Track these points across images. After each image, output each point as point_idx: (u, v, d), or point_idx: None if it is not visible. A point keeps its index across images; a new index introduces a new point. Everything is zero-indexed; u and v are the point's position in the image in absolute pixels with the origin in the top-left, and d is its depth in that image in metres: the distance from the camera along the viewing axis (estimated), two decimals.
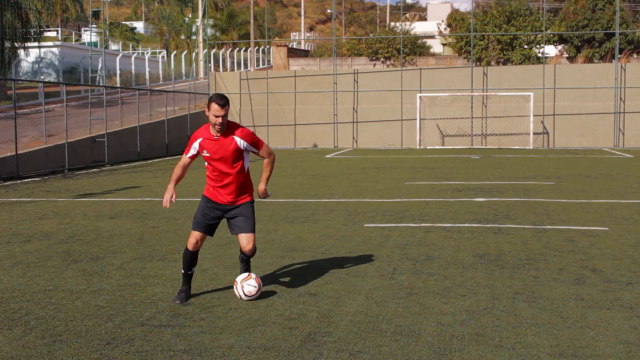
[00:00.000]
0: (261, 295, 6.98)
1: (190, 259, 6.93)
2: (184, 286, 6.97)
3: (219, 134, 6.68)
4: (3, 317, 6.36)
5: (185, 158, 6.89)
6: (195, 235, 6.87)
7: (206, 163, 6.83)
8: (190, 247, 6.89)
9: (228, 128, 6.72)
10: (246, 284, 6.75)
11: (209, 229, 6.94)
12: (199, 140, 6.76)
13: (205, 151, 6.73)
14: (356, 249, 9.37)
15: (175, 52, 53.91)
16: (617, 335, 5.74)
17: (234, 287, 6.85)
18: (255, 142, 6.80)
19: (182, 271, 6.97)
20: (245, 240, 6.86)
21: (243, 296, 6.76)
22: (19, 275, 8.09)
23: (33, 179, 20.37)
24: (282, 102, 35.84)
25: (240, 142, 6.72)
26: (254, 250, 6.93)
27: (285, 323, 6.11)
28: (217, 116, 6.54)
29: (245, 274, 6.86)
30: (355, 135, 35.40)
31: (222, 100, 6.55)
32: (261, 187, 7.01)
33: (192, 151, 6.83)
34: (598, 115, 33.34)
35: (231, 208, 6.88)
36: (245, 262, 7.09)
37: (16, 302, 6.87)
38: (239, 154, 6.75)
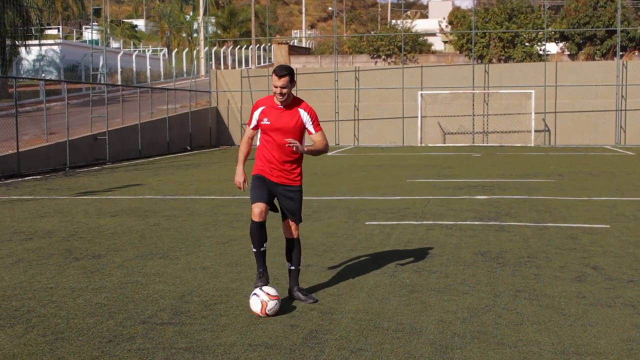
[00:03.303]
0: None
1: (259, 232, 6.55)
2: (261, 267, 6.66)
3: (283, 105, 6.54)
4: (5, 315, 6.37)
5: (248, 130, 6.73)
6: (258, 206, 6.51)
7: (260, 136, 6.64)
8: (255, 218, 6.50)
9: (295, 101, 6.60)
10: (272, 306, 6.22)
11: (269, 199, 6.60)
12: (261, 108, 6.60)
13: (265, 119, 6.54)
14: (358, 247, 9.37)
15: (176, 49, 53.88)
16: (619, 332, 5.74)
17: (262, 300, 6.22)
18: (315, 121, 6.64)
19: (254, 250, 6.64)
20: (291, 225, 6.70)
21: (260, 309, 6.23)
22: (21, 273, 8.09)
23: (34, 176, 20.37)
24: None
25: (304, 115, 6.59)
26: (297, 236, 6.74)
27: (287, 321, 6.11)
28: (276, 86, 6.41)
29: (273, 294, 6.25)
30: (357, 133, 35.39)
31: (281, 71, 6.40)
32: (306, 147, 6.59)
33: (254, 122, 6.65)
34: (600, 113, 33.32)
35: (282, 187, 6.64)
36: (294, 272, 6.75)
37: (18, 300, 6.88)
38: (300, 129, 6.58)
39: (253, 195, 6.60)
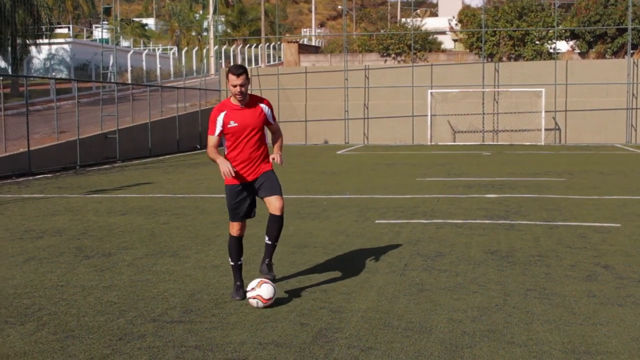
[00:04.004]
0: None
1: (237, 247, 6.86)
2: (238, 281, 6.89)
3: (243, 104, 6.67)
4: (16, 313, 6.39)
5: (213, 138, 6.74)
6: (236, 225, 6.84)
7: (226, 141, 6.76)
8: (234, 233, 6.85)
9: (252, 99, 6.75)
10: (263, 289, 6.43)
11: (247, 214, 6.86)
12: (223, 113, 6.66)
13: (232, 122, 6.63)
14: (367, 245, 9.37)
15: (186, 48, 53.98)
16: (630, 332, 5.72)
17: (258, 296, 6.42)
18: (273, 114, 6.90)
19: (232, 263, 6.90)
20: (274, 200, 6.67)
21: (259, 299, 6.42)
22: (32, 271, 8.12)
23: (45, 175, 20.45)
24: (293, 98, 35.84)
25: (266, 109, 6.79)
26: (282, 211, 6.67)
27: (297, 319, 6.11)
28: (234, 85, 6.52)
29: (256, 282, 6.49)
30: (366, 132, 35.37)
31: (238, 70, 6.54)
32: (277, 152, 6.81)
33: (218, 128, 6.70)
34: (610, 111, 33.18)
35: (255, 181, 6.78)
36: (270, 247, 6.81)
37: (29, 298, 6.91)
38: (264, 123, 6.78)
39: (231, 214, 6.83)
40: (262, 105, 6.77)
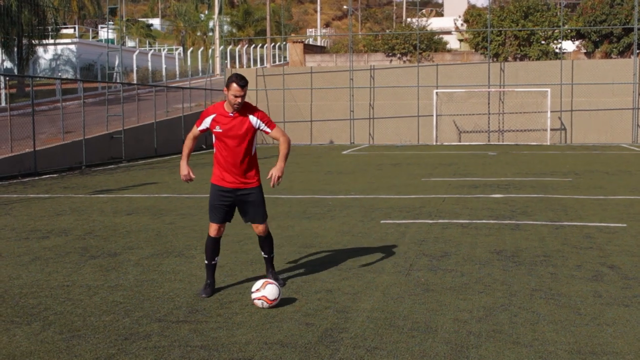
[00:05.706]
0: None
1: (213, 247, 7.03)
2: (209, 279, 7.05)
3: (235, 112, 6.79)
4: (22, 313, 6.41)
5: (195, 130, 7.09)
6: (214, 226, 7.01)
7: (215, 141, 6.95)
8: (212, 234, 7.02)
9: (245, 108, 6.85)
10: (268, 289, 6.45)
11: (226, 217, 7.05)
12: (212, 116, 6.86)
13: (217, 127, 6.82)
14: (373, 245, 9.37)
15: (191, 48, 54.03)
16: (636, 332, 5.71)
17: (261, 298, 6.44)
18: (268, 121, 6.93)
19: (206, 262, 7.08)
20: (255, 227, 7.13)
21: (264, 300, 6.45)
22: (37, 270, 8.14)
23: (51, 175, 20.49)
24: (299, 98, 35.83)
25: (255, 120, 6.84)
26: (266, 232, 7.15)
27: (302, 319, 6.11)
28: (236, 96, 6.65)
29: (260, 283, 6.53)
30: (372, 132, 35.34)
31: (242, 81, 6.67)
32: (279, 165, 6.84)
33: (203, 125, 6.97)
34: (616, 111, 33.10)
35: (240, 192, 6.94)
36: (268, 260, 7.32)
37: (34, 298, 6.92)
38: (251, 133, 6.87)
39: (211, 214, 7.06)
40: (251, 116, 6.84)
